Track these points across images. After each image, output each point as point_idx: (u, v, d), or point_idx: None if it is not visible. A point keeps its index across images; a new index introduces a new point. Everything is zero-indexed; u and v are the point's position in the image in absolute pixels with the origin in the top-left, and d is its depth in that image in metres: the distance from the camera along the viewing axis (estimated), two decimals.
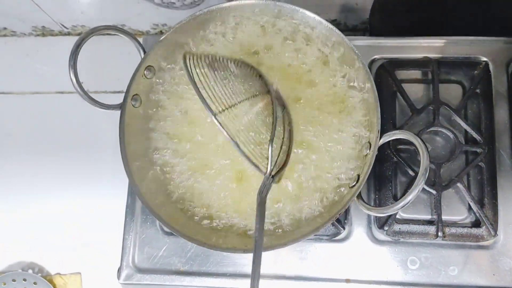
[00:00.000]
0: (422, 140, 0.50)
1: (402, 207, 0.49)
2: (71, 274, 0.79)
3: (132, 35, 0.60)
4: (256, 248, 0.45)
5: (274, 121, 0.55)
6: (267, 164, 0.52)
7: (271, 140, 0.53)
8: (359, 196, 0.54)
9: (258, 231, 0.47)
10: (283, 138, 0.57)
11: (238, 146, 0.49)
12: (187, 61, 0.49)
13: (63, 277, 0.79)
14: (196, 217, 0.59)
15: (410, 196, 0.48)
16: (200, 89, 0.48)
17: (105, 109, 0.60)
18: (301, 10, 0.60)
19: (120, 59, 0.87)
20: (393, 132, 0.54)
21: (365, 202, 0.54)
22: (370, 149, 0.56)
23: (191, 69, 0.49)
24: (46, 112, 0.87)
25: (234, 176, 0.60)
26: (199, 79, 0.49)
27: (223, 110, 0.50)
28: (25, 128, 0.86)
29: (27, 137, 0.85)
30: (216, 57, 0.56)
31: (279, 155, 0.56)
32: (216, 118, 0.48)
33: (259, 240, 0.46)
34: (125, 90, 0.85)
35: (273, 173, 0.54)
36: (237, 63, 0.59)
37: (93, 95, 0.60)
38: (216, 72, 0.53)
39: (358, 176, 0.56)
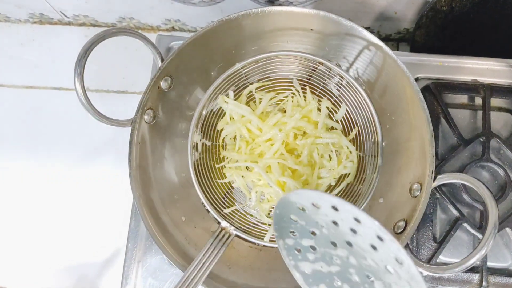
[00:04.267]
0: (490, 191, 0.43)
1: (463, 269, 0.42)
2: None
3: (151, 42, 0.52)
4: None
5: None
6: None
7: None
8: (407, 246, 0.47)
9: None
10: None
11: None
12: None
13: None
14: None
15: (474, 258, 0.41)
16: None
17: (113, 125, 0.51)
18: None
19: (125, 56, 0.79)
20: (453, 174, 0.46)
21: (414, 255, 0.46)
22: (421, 190, 0.48)
23: None
24: (40, 109, 0.78)
25: None
26: None
27: None
28: (15, 126, 0.77)
29: (17, 136, 0.76)
30: None
31: None
32: None
33: None
34: (130, 90, 0.78)
35: None
36: None
37: (94, 94, 0.52)
38: None
39: (405, 221, 0.48)
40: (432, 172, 0.48)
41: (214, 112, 0.59)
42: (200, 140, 0.57)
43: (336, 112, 0.59)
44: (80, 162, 0.73)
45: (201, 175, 0.54)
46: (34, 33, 0.82)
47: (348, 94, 0.57)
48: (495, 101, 0.62)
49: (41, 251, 0.70)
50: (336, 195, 0.56)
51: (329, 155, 0.57)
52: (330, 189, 0.58)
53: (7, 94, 0.78)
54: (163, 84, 0.53)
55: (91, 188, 0.72)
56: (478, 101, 0.62)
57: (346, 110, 0.58)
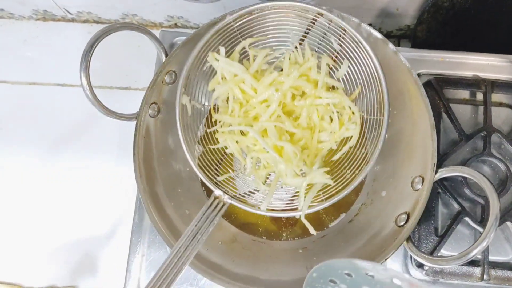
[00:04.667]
0: (491, 183, 0.43)
1: (464, 261, 0.42)
2: (65, 287, 0.71)
3: (155, 36, 0.52)
4: None
5: None
6: None
7: None
8: (409, 238, 0.47)
9: None
10: None
11: None
12: None
13: None
14: None
15: (476, 250, 0.42)
16: None
17: (118, 119, 0.51)
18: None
19: (128, 52, 0.79)
20: (454, 167, 0.47)
21: (417, 247, 0.47)
22: (422, 184, 0.49)
23: None
24: (43, 105, 0.78)
25: None
26: None
27: None
28: (19, 122, 0.77)
29: (21, 132, 0.77)
30: None
31: None
32: None
33: None
34: (133, 87, 0.79)
35: None
36: None
37: (97, 90, 0.53)
38: None
39: (407, 214, 0.49)
40: (434, 166, 0.48)
41: (204, 72, 0.54)
42: (190, 102, 0.52)
43: (338, 70, 0.54)
44: (83, 157, 0.74)
45: (192, 140, 0.51)
46: (37, 30, 0.82)
47: (351, 49, 0.52)
48: (496, 96, 0.62)
49: (46, 245, 0.71)
50: (338, 159, 0.53)
51: (330, 116, 0.53)
52: (331, 153, 0.54)
53: (10, 90, 0.79)
54: (168, 79, 0.54)
55: (94, 183, 0.72)
56: (479, 96, 0.62)
57: (348, 67, 0.53)
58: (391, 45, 0.53)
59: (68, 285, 0.70)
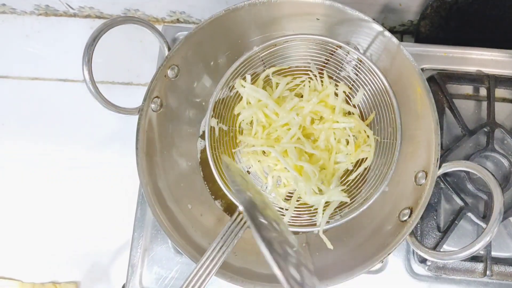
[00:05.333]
0: (495, 177, 0.43)
1: (468, 255, 0.42)
2: (67, 283, 0.71)
3: (158, 30, 0.52)
4: None
5: None
6: None
7: None
8: (412, 233, 0.47)
9: None
10: None
11: None
12: None
13: (57, 286, 0.71)
14: None
15: (480, 245, 0.42)
16: None
17: (121, 113, 0.51)
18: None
19: (130, 47, 0.79)
20: (458, 162, 0.47)
21: (420, 242, 0.47)
22: (426, 178, 0.49)
23: None
24: (45, 100, 0.78)
25: None
26: None
27: None
28: (21, 117, 0.77)
29: (23, 127, 0.77)
30: None
31: None
32: None
33: None
34: (135, 82, 0.78)
35: None
36: None
37: (99, 86, 0.53)
38: None
39: (410, 209, 0.49)
40: (437, 160, 0.48)
41: (231, 97, 0.58)
42: (217, 125, 0.56)
43: (353, 97, 0.59)
44: (85, 153, 0.74)
45: (218, 160, 0.54)
46: (39, 25, 0.82)
47: (366, 78, 0.56)
48: (499, 92, 0.62)
49: (47, 241, 0.71)
50: (354, 179, 0.57)
51: (346, 139, 0.57)
52: (347, 173, 0.57)
53: (12, 85, 0.79)
54: (170, 73, 0.54)
55: (97, 178, 0.72)
56: (483, 91, 0.62)
57: (364, 95, 0.58)
58: (396, 41, 0.53)
59: (69, 280, 0.70)
